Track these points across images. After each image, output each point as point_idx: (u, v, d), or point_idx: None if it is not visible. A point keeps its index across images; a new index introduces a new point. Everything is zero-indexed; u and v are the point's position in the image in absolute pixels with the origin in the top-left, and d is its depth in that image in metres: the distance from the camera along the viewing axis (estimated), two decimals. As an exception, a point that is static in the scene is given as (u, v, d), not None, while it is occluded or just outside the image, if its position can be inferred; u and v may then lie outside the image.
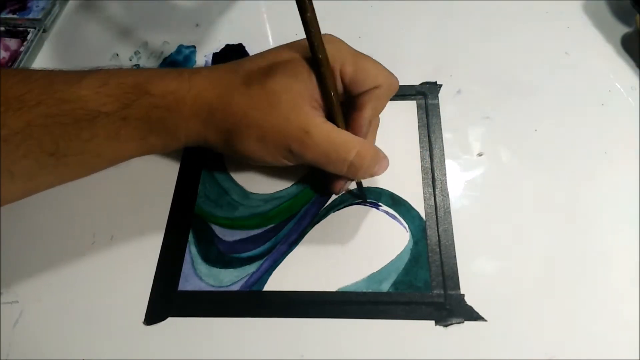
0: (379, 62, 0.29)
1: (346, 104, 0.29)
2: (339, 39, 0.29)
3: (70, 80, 0.26)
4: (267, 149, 0.27)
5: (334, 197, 0.33)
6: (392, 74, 0.29)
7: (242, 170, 0.34)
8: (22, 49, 0.41)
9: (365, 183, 0.33)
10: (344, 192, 0.32)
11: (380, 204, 0.32)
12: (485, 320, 0.28)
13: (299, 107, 0.27)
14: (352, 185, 0.33)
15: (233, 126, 0.27)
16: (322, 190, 0.33)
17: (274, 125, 0.27)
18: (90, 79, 0.26)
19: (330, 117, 0.28)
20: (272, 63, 0.28)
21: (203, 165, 0.35)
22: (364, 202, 0.32)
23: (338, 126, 0.28)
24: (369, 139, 0.31)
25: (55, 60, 0.42)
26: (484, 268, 0.30)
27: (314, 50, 0.26)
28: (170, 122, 0.28)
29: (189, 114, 0.27)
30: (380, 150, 0.29)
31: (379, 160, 0.28)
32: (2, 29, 0.43)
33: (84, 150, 0.26)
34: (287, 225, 0.32)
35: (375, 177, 0.33)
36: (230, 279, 0.30)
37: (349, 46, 0.29)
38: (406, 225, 0.31)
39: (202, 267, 0.31)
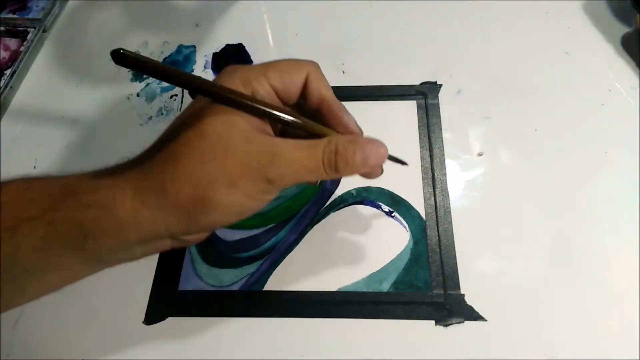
0: (287, 59, 0.26)
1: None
2: (236, 66, 0.26)
3: None
4: (242, 192, 0.23)
5: (334, 197, 0.33)
6: (302, 60, 0.26)
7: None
8: (22, 49, 0.41)
9: (372, 182, 0.33)
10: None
11: (380, 203, 0.32)
12: (485, 320, 0.28)
13: (255, 136, 0.23)
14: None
15: (194, 190, 0.22)
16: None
17: (239, 163, 0.23)
18: (12, 184, 0.23)
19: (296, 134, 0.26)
20: (201, 113, 0.24)
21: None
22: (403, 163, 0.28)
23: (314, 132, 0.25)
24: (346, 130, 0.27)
25: (55, 60, 0.42)
26: (484, 268, 0.30)
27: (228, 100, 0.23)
28: (109, 220, 0.23)
29: (134, 204, 0.23)
30: (364, 138, 0.25)
31: (361, 146, 0.24)
32: (2, 29, 0.43)
33: (8, 268, 0.22)
34: (287, 225, 0.32)
35: (377, 175, 0.33)
36: (230, 279, 0.30)
37: (249, 66, 0.26)
38: (406, 225, 0.31)
39: (202, 267, 0.31)
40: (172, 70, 0.22)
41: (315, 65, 0.26)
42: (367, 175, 0.27)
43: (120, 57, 0.21)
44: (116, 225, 0.23)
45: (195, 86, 0.23)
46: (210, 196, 0.23)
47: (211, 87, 0.23)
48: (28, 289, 0.24)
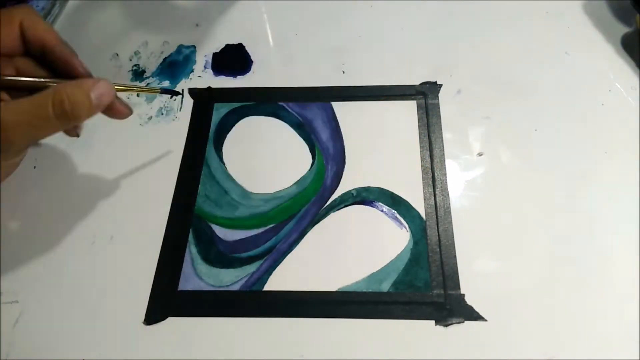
0: None
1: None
2: None
3: None
4: None
5: (334, 197, 0.33)
6: (13, 9, 0.27)
7: (242, 170, 0.34)
8: (22, 49, 0.41)
9: (373, 182, 0.33)
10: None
11: (380, 203, 0.32)
12: (485, 320, 0.28)
13: None
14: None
15: None
16: None
17: None
18: None
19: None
20: None
21: (203, 166, 0.35)
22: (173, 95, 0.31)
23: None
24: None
25: (55, 60, 0.42)
26: (484, 268, 0.30)
27: None
28: None
29: None
30: (89, 79, 0.26)
31: (91, 87, 0.25)
32: (2, 29, 0.43)
33: None
34: (287, 225, 0.32)
35: (365, 174, 0.33)
36: (230, 279, 0.30)
37: None
38: (406, 225, 0.31)
39: (202, 267, 0.31)
40: None
41: (26, 10, 0.27)
42: (113, 114, 0.28)
43: None
44: None
45: None
46: None
47: None
48: None
